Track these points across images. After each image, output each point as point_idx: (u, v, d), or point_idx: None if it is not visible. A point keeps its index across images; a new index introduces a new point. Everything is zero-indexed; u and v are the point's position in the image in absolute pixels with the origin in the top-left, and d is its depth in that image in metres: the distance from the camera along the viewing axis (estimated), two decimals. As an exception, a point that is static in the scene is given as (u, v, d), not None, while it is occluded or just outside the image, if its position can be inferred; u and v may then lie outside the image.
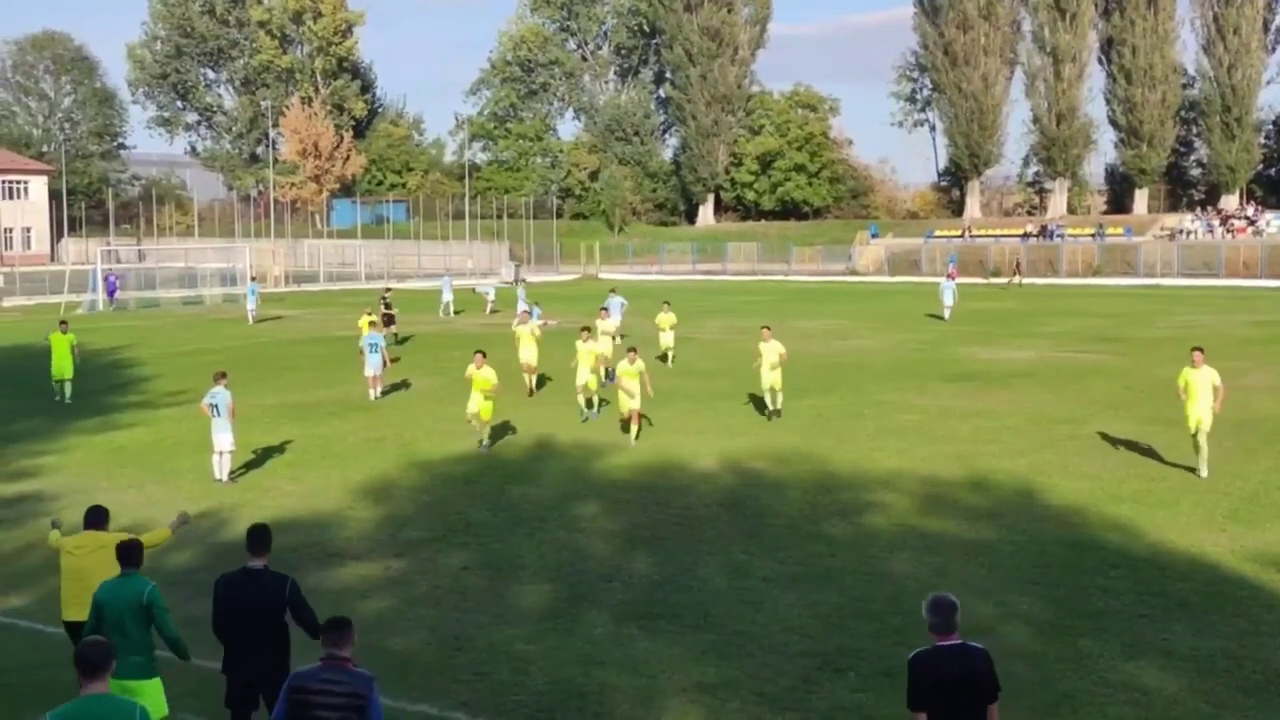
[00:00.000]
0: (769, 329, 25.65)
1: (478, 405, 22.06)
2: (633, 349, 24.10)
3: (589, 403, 25.54)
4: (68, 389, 28.22)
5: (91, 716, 6.34)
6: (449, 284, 54.73)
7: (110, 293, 61.20)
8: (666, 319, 34.34)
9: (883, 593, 13.73)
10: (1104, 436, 22.47)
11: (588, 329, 27.07)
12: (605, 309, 33.90)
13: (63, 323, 29.28)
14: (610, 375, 26.46)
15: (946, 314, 48.55)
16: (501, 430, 23.40)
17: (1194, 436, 19.24)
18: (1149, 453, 20.96)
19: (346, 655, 7.44)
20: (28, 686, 10.84)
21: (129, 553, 9.38)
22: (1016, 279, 74.58)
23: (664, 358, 33.74)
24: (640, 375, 23.02)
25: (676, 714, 10.62)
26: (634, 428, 22.72)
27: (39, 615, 13.08)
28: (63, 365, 28.11)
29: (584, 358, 25.67)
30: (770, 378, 24.80)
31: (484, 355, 22.39)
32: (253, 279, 59.07)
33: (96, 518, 10.51)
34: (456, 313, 52.69)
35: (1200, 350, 19.93)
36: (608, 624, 12.76)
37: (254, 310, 51.06)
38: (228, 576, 9.29)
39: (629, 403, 22.84)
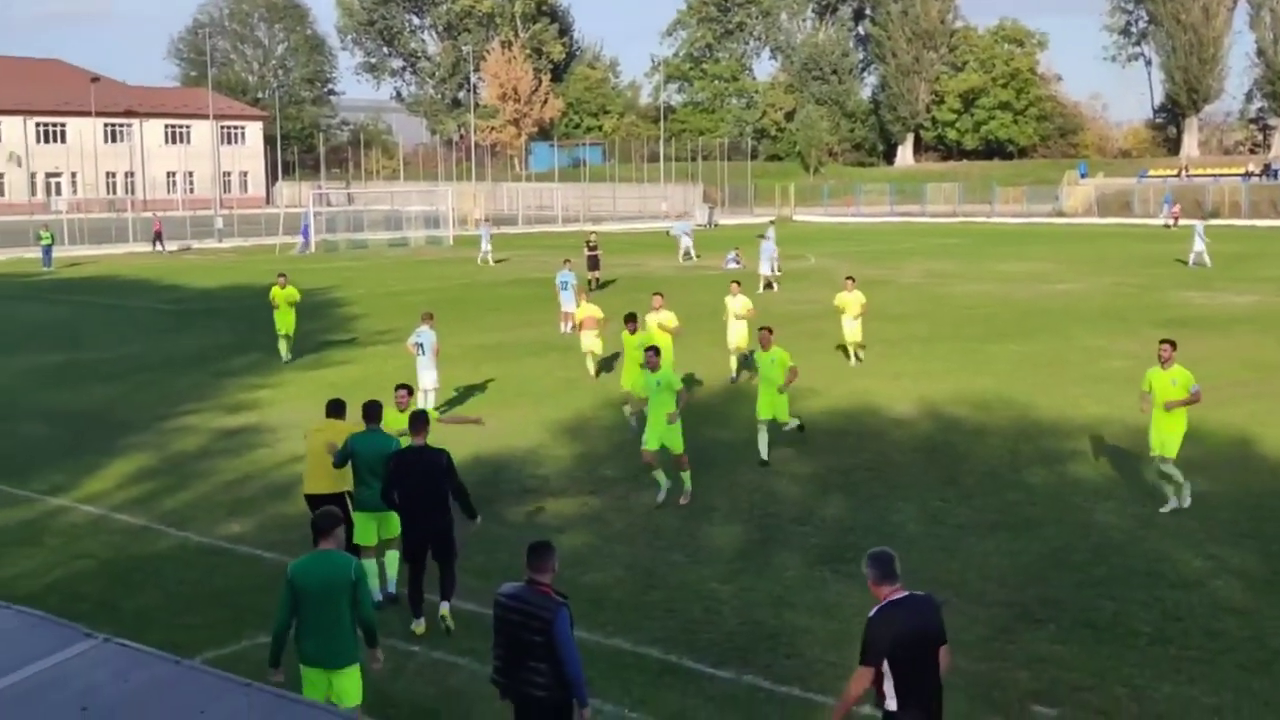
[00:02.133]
0: (770, 330, 17.39)
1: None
2: (652, 347, 15.65)
3: (635, 412, 18.37)
4: (289, 345, 26.20)
5: (321, 564, 8.31)
6: (684, 228, 54.98)
7: (304, 233, 61.58)
8: (852, 300, 24.47)
9: (1085, 543, 13.35)
10: (1329, 386, 21.25)
11: (632, 317, 19.80)
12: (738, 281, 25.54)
13: (281, 276, 26.70)
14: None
15: (1204, 260, 45.38)
16: (689, 379, 23.32)
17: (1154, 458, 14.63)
18: (1379, 404, 19.74)
19: (544, 581, 7.64)
20: (247, 609, 11.39)
21: (370, 410, 11.81)
22: None
23: (848, 355, 24.74)
24: (675, 393, 15.01)
25: (868, 658, 10.54)
26: (660, 478, 15.04)
27: (258, 541, 13.79)
28: (286, 320, 25.99)
29: (629, 353, 19.34)
30: (769, 403, 16.99)
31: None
32: (486, 220, 60.49)
33: (336, 408, 12.48)
34: (697, 256, 51.93)
35: (1170, 343, 14.86)
36: (799, 567, 12.75)
37: (488, 251, 51.74)
38: (399, 452, 11.15)
39: (653, 439, 14.96)
